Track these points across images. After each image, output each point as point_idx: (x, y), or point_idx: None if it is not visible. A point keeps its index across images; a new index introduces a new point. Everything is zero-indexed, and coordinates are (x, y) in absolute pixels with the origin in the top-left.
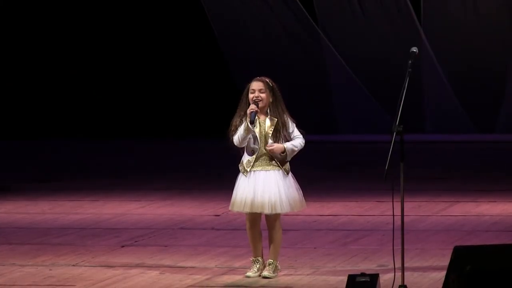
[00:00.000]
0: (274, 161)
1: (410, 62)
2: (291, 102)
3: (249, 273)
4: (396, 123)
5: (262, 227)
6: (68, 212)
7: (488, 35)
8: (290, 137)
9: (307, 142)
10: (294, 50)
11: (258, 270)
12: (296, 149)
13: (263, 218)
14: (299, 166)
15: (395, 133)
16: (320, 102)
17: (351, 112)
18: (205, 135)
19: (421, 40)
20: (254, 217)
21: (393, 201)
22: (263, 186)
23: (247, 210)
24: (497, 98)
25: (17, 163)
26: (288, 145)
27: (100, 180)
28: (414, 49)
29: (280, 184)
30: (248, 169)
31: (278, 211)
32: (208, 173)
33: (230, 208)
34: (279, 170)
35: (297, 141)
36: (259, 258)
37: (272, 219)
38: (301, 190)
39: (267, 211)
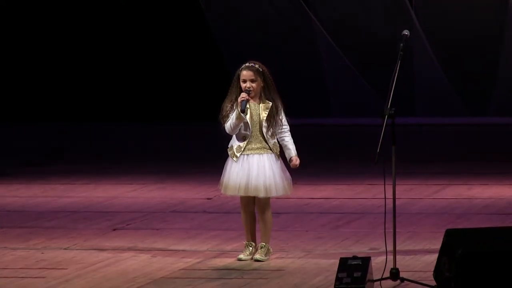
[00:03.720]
0: (267, 145)
1: (401, 45)
2: (283, 86)
3: (241, 256)
4: (387, 106)
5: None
6: (60, 195)
7: (480, 17)
8: (280, 124)
9: (298, 125)
10: (285, 33)
11: (250, 253)
12: (292, 140)
13: None
14: None
15: (386, 116)
16: (311, 85)
17: (343, 95)
18: (196, 118)
19: (413, 23)
20: (247, 200)
21: (384, 184)
22: (257, 170)
23: (241, 193)
24: (489, 80)
25: (9, 146)
26: (294, 151)
27: (92, 164)
28: (406, 32)
29: (274, 167)
30: (238, 154)
31: (273, 194)
32: (200, 157)
33: (222, 191)
34: (271, 153)
35: (288, 135)
36: (252, 243)
37: (263, 202)
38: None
39: (262, 194)
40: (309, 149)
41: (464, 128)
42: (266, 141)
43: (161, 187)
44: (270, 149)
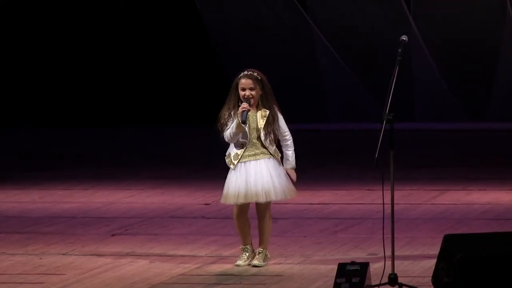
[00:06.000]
0: (265, 150)
1: (399, 50)
2: (280, 90)
3: (239, 262)
4: (386, 111)
5: (250, 215)
6: (58, 201)
7: (479, 22)
8: (279, 131)
9: (297, 130)
10: (283, 38)
11: (248, 258)
12: (294, 154)
13: (251, 207)
14: None
15: (385, 121)
16: (309, 91)
17: (341, 100)
18: (194, 122)
19: (411, 27)
20: (243, 206)
21: (383, 190)
22: (255, 176)
23: (241, 201)
24: (488, 85)
25: (7, 151)
26: (293, 163)
27: (90, 169)
28: (404, 37)
29: (272, 172)
30: (236, 162)
31: (273, 198)
32: (198, 162)
33: (222, 201)
34: (269, 158)
35: (290, 147)
36: (248, 246)
37: (263, 207)
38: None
39: (261, 199)
40: (307, 155)
41: (462, 133)
42: (265, 148)
43: (160, 192)
44: (271, 154)
